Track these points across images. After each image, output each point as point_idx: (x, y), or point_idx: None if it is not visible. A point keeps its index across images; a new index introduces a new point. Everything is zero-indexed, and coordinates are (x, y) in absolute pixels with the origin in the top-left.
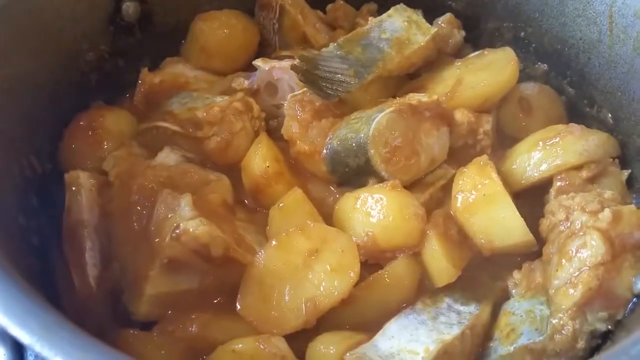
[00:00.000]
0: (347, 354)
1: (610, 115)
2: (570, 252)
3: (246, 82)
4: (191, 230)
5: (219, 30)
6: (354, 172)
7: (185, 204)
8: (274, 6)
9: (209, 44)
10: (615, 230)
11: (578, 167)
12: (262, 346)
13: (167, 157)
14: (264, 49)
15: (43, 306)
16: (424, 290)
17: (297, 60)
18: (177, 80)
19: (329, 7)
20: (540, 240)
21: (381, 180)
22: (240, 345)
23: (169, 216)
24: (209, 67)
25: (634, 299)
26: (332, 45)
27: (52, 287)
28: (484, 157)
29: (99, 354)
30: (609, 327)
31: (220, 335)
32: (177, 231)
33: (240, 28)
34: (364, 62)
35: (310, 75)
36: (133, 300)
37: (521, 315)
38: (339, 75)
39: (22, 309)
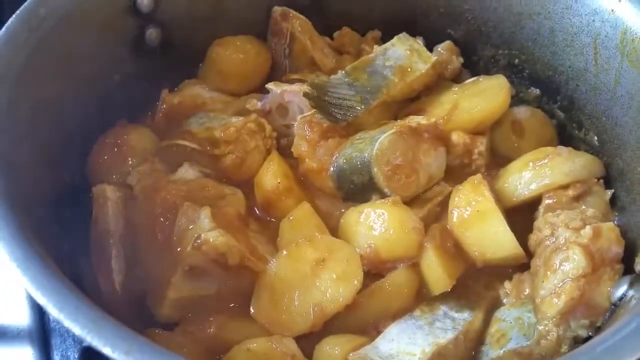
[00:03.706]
0: (351, 355)
1: (596, 138)
2: (555, 265)
3: (259, 104)
4: (211, 240)
5: (234, 54)
6: (358, 189)
7: (204, 216)
8: (285, 33)
9: (225, 67)
10: (595, 245)
11: (565, 187)
12: (274, 346)
13: (186, 172)
14: (275, 72)
15: (89, 304)
16: (421, 298)
17: (308, 87)
18: (194, 101)
19: (336, 33)
20: (529, 254)
21: (383, 196)
22: (254, 345)
23: (190, 227)
24: (224, 88)
25: (612, 307)
26: (340, 73)
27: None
28: (478, 175)
29: (140, 344)
30: (590, 333)
31: (236, 336)
32: (199, 241)
33: (253, 53)
34: (370, 88)
35: (320, 102)
36: (156, 303)
37: (510, 322)
38: (347, 102)
39: (73, 307)
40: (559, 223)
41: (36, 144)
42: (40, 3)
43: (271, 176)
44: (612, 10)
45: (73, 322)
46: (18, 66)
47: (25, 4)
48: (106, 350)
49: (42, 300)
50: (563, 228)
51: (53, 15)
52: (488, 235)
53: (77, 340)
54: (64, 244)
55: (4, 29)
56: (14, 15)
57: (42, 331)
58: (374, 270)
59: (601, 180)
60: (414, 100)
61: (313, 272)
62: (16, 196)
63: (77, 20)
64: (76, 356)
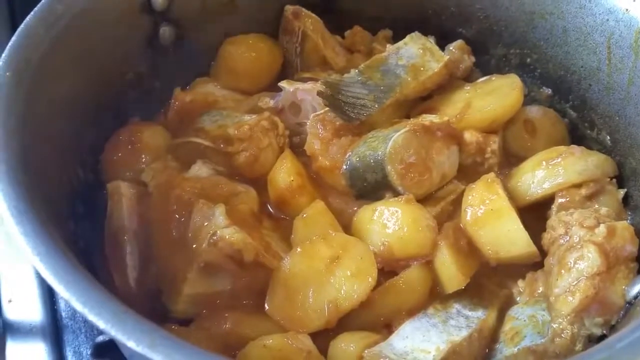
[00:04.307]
0: (366, 351)
1: (608, 137)
2: (569, 263)
3: (272, 102)
4: (227, 237)
5: (246, 53)
6: (371, 187)
7: (219, 213)
8: (296, 31)
9: (237, 65)
10: (609, 243)
11: (578, 186)
12: (289, 342)
13: (200, 169)
14: (286, 70)
15: (111, 298)
16: (435, 296)
17: (322, 85)
18: (206, 99)
19: (347, 32)
20: (543, 252)
21: (396, 194)
22: (270, 341)
23: (205, 224)
24: (236, 86)
25: (627, 306)
26: (353, 71)
27: None
28: (492, 174)
29: (164, 338)
30: (604, 331)
31: (251, 332)
32: (215, 238)
33: (265, 51)
34: (383, 87)
35: (334, 100)
36: (172, 299)
37: (524, 320)
38: (360, 100)
39: (96, 301)
40: (573, 222)
41: (52, 141)
42: (58, 0)
43: (284, 174)
44: (627, 10)
45: (97, 316)
46: (35, 63)
47: (43, 0)
48: (131, 344)
49: (65, 294)
50: (577, 227)
51: (69, 12)
52: (502, 233)
53: (89, 336)
54: (78, 240)
55: (22, 25)
56: (32, 12)
57: (55, 327)
58: (388, 268)
59: (614, 180)
60: (426, 99)
61: (327, 269)
62: (36, 192)
63: (93, 17)
64: (88, 352)
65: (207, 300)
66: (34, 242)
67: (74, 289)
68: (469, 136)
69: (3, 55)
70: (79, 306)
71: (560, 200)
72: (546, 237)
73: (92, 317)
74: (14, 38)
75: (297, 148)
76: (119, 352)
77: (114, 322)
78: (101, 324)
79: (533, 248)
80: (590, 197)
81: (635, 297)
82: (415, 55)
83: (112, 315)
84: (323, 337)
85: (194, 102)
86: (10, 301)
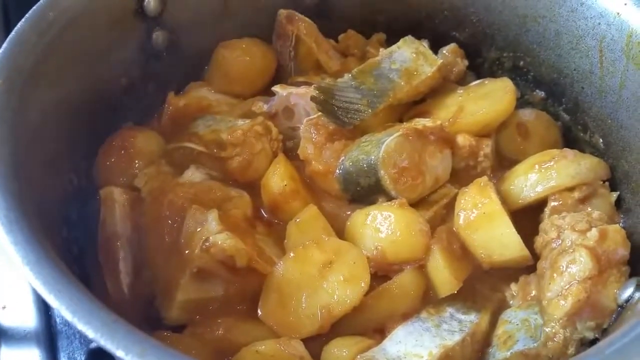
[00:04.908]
0: (359, 357)
1: (601, 140)
2: (561, 267)
3: (265, 106)
4: (219, 243)
5: (240, 57)
6: (364, 191)
7: (212, 219)
8: (290, 35)
9: (231, 69)
10: (601, 247)
11: (571, 189)
12: (282, 348)
13: (193, 175)
14: (280, 74)
15: (101, 307)
16: (428, 300)
17: (315, 90)
18: (200, 104)
19: (341, 36)
20: (535, 256)
21: (390, 198)
22: (262, 347)
23: (198, 230)
24: (230, 91)
25: (619, 309)
26: (346, 76)
27: None
28: (484, 178)
29: (154, 347)
30: (596, 335)
31: (244, 338)
32: (207, 244)
33: (259, 55)
34: (376, 92)
35: (327, 105)
36: (165, 305)
37: (517, 324)
38: (354, 105)
39: (86, 310)
40: (565, 225)
41: (45, 147)
42: (49, 6)
43: (278, 178)
44: (618, 14)
45: (86, 325)
46: (27, 70)
47: (35, 7)
48: (119, 354)
49: (55, 303)
50: (569, 230)
51: (61, 18)
52: (494, 237)
53: (83, 342)
54: (72, 247)
55: (13, 32)
56: (23, 19)
57: (49, 333)
58: (381, 273)
59: (606, 183)
60: (419, 102)
61: (320, 274)
62: (27, 200)
63: (85, 23)
64: (83, 358)
65: (200, 306)
66: (24, 251)
67: (63, 298)
68: (462, 140)
69: None
70: (68, 315)
71: (552, 203)
72: (539, 241)
73: (81, 327)
74: (5, 45)
75: (291, 152)
76: (113, 358)
77: (104, 331)
78: (90, 333)
79: (525, 252)
80: (583, 201)
81: (627, 301)
82: (409, 59)
83: (101, 324)
84: (316, 343)
85: (188, 106)
86: (4, 307)
